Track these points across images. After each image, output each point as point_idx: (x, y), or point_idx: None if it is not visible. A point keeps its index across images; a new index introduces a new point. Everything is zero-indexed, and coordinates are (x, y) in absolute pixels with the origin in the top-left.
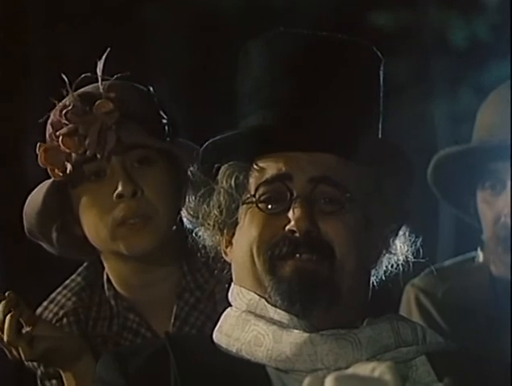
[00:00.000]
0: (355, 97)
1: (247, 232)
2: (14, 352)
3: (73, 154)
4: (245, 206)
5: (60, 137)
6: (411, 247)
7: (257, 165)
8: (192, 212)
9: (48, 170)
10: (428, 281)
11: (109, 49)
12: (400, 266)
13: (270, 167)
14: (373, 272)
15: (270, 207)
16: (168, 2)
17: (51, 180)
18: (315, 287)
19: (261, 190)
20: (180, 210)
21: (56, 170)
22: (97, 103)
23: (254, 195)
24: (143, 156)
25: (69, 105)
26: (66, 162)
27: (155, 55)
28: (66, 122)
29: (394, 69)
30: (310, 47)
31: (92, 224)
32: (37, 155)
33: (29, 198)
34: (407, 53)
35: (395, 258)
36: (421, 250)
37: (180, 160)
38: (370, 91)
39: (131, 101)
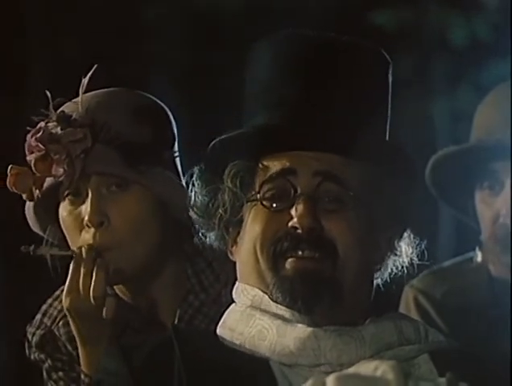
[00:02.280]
0: (361, 99)
1: (251, 229)
2: (93, 315)
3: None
4: (249, 204)
5: (32, 161)
6: (416, 249)
7: (262, 164)
8: (198, 211)
9: (22, 192)
10: (427, 281)
11: (95, 66)
12: (405, 268)
13: (274, 165)
14: (378, 274)
15: (273, 204)
16: (168, 1)
17: (31, 206)
18: (317, 286)
19: (265, 188)
20: (159, 236)
21: (24, 196)
22: (66, 131)
23: (259, 192)
24: (118, 181)
25: (39, 131)
26: (34, 188)
27: (155, 55)
28: (37, 147)
29: (393, 68)
30: (317, 49)
31: (70, 242)
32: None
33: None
34: (407, 52)
35: (400, 260)
36: (425, 252)
37: (152, 189)
38: (377, 93)
39: (111, 126)
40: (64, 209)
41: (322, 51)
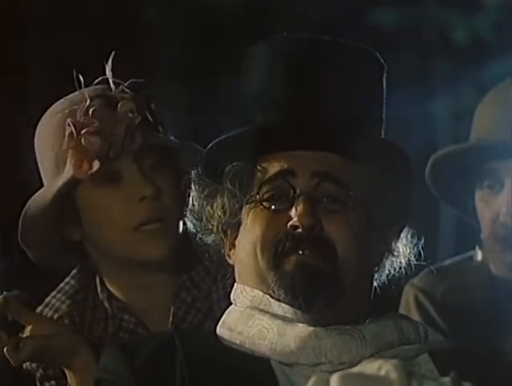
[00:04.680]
0: (358, 99)
1: (251, 230)
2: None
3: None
4: (248, 205)
5: (85, 137)
6: (413, 249)
7: (260, 165)
8: (195, 215)
9: (73, 166)
10: (427, 280)
11: (113, 52)
12: (403, 269)
13: (273, 166)
14: (376, 275)
15: (273, 205)
16: (168, 1)
17: (58, 186)
18: (318, 281)
19: (264, 189)
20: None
21: (85, 165)
22: (120, 103)
23: (258, 193)
24: (155, 160)
25: (94, 105)
26: (94, 160)
27: (155, 55)
28: (92, 122)
29: (394, 67)
30: (313, 51)
31: (106, 229)
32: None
33: (32, 202)
34: (408, 51)
35: (398, 261)
36: (423, 252)
37: (185, 162)
38: (373, 93)
39: (143, 104)
40: (99, 195)
41: (319, 53)
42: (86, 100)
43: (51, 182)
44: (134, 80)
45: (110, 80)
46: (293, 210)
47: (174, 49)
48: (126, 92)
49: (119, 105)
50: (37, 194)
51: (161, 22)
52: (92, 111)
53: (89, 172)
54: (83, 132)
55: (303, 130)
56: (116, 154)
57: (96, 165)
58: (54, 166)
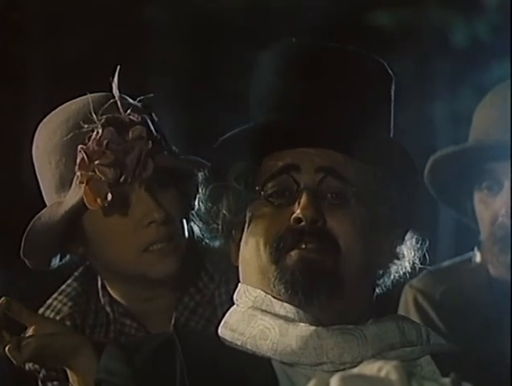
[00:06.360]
0: (363, 99)
1: (255, 226)
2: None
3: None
4: (253, 202)
5: (99, 168)
6: (418, 252)
7: (265, 162)
8: (201, 217)
9: (85, 200)
10: (426, 281)
11: (119, 67)
12: (407, 274)
13: (277, 162)
14: (380, 280)
15: (277, 199)
16: (168, 2)
17: (66, 208)
18: (318, 276)
19: (269, 184)
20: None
21: (98, 200)
22: (132, 129)
23: (262, 190)
24: (165, 181)
25: (107, 136)
26: (108, 191)
27: (155, 55)
28: (105, 152)
29: (394, 69)
30: (320, 57)
31: (113, 251)
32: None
33: (37, 220)
34: (408, 53)
35: (402, 265)
36: (427, 256)
37: (191, 178)
38: (379, 94)
39: (150, 123)
40: (107, 217)
41: (324, 55)
42: (98, 128)
43: (56, 200)
44: (143, 97)
45: (118, 103)
46: (296, 204)
47: (174, 49)
48: (136, 115)
49: (131, 132)
50: (43, 212)
51: (161, 23)
52: (106, 143)
53: (102, 204)
54: (97, 162)
55: (308, 127)
56: (127, 182)
57: (109, 197)
58: (58, 183)
